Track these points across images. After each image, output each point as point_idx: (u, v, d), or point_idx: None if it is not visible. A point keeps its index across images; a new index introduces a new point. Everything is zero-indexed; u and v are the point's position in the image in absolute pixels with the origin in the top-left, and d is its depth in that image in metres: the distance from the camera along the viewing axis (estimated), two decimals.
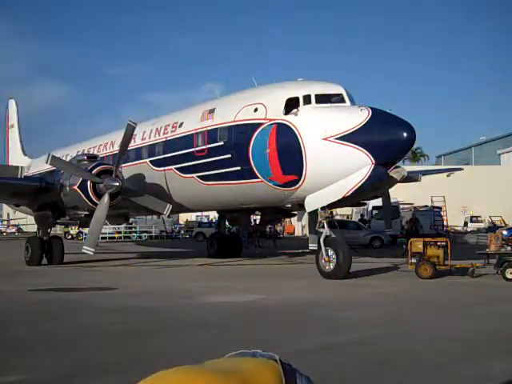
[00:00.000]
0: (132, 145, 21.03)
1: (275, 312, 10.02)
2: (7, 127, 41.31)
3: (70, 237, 48.33)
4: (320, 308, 10.48)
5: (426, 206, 38.85)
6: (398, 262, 19.59)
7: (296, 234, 54.56)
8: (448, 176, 38.75)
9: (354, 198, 16.92)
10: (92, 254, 18.94)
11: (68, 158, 23.26)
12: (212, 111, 18.88)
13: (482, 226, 43.32)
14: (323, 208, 15.39)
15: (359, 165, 14.33)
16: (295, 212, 25.22)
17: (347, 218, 41.06)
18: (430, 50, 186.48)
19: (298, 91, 16.12)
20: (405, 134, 14.17)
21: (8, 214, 62.02)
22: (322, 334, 8.00)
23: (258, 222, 32.34)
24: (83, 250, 18.82)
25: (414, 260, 16.09)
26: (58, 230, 46.09)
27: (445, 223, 37.97)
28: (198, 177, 19.15)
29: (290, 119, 15.72)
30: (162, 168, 20.85)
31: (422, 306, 11.03)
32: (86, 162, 20.55)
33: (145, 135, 22.16)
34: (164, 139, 20.99)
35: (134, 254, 28.09)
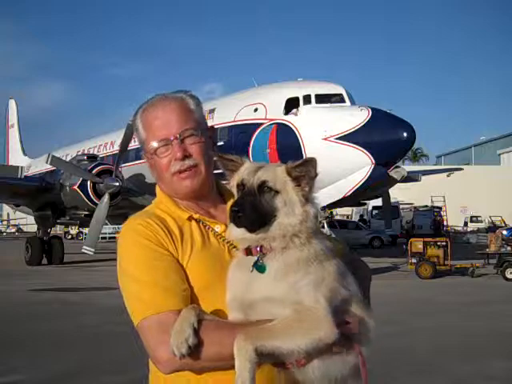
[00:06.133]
0: (132, 145, 21.02)
1: None
2: (7, 127, 41.31)
3: (69, 237, 48.29)
4: None
5: (426, 206, 38.82)
6: (397, 262, 19.59)
7: None
8: (448, 176, 38.71)
9: (354, 198, 16.92)
10: (92, 253, 18.92)
11: (68, 158, 23.24)
12: (212, 111, 18.86)
13: (482, 226, 43.25)
14: (323, 208, 15.37)
15: (359, 165, 14.32)
16: None
17: (347, 217, 41.01)
18: (429, 50, 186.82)
19: (298, 91, 16.10)
20: (405, 134, 14.16)
21: (8, 214, 62.02)
22: None
23: None
24: (83, 250, 18.81)
25: (414, 260, 16.11)
26: (58, 230, 46.08)
27: (445, 223, 37.93)
28: None
29: (290, 119, 15.71)
30: None
31: (422, 306, 11.03)
32: (86, 162, 20.55)
33: None
34: None
35: None
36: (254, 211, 1.46)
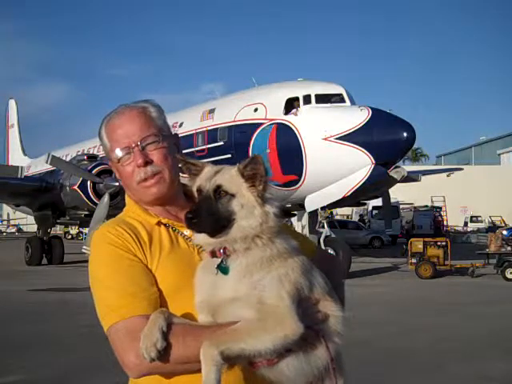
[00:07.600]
0: None
1: None
2: (7, 127, 41.31)
3: (69, 237, 48.29)
4: None
5: (426, 206, 38.84)
6: (397, 262, 19.59)
7: None
8: (448, 176, 38.74)
9: (354, 198, 16.93)
10: None
11: (68, 158, 23.22)
12: (212, 111, 18.86)
13: (482, 226, 43.26)
14: (323, 208, 15.38)
15: (359, 165, 14.32)
16: (295, 212, 25.23)
17: (347, 217, 41.02)
18: (429, 50, 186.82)
19: (298, 91, 16.09)
20: (405, 134, 14.16)
21: (8, 214, 62.00)
22: None
23: None
24: (83, 250, 18.78)
25: (414, 260, 16.11)
26: (58, 229, 46.06)
27: (445, 223, 37.95)
28: None
29: (290, 119, 15.70)
30: None
31: (422, 305, 11.03)
32: (86, 162, 20.53)
33: None
34: None
35: None
36: (209, 216, 1.46)
